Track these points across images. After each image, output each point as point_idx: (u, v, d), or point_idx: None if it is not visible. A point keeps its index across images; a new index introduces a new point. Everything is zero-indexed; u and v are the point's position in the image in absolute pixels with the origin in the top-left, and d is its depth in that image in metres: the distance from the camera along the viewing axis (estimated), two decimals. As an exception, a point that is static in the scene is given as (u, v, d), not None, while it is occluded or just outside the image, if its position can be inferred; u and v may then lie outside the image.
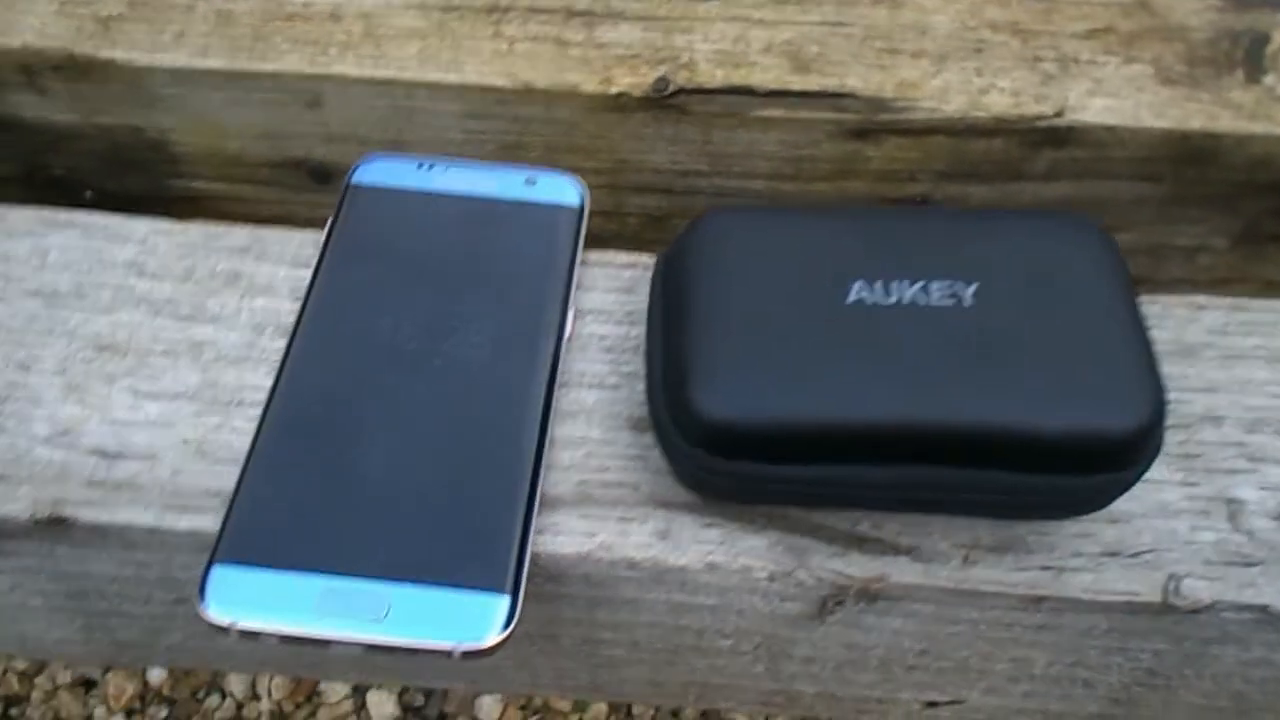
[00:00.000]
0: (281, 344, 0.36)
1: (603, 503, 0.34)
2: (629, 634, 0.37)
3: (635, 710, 1.11)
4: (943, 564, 0.33)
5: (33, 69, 0.46)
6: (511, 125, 0.46)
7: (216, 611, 0.30)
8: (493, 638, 0.30)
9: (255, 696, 1.12)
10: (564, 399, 0.36)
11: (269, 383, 0.35)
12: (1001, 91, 0.45)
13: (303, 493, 0.32)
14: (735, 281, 0.33)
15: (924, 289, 0.32)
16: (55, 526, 0.33)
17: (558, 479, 0.34)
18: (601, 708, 1.11)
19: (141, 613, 0.37)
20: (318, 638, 0.30)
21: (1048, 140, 0.45)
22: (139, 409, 0.35)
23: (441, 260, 0.38)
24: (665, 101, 0.45)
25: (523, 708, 1.11)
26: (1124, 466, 0.30)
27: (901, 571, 0.33)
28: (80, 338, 0.37)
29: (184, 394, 0.35)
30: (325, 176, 0.49)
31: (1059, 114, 0.44)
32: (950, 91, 0.45)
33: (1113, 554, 0.33)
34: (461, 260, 0.38)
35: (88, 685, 1.12)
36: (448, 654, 0.30)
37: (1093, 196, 0.47)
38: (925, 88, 0.45)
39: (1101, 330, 0.31)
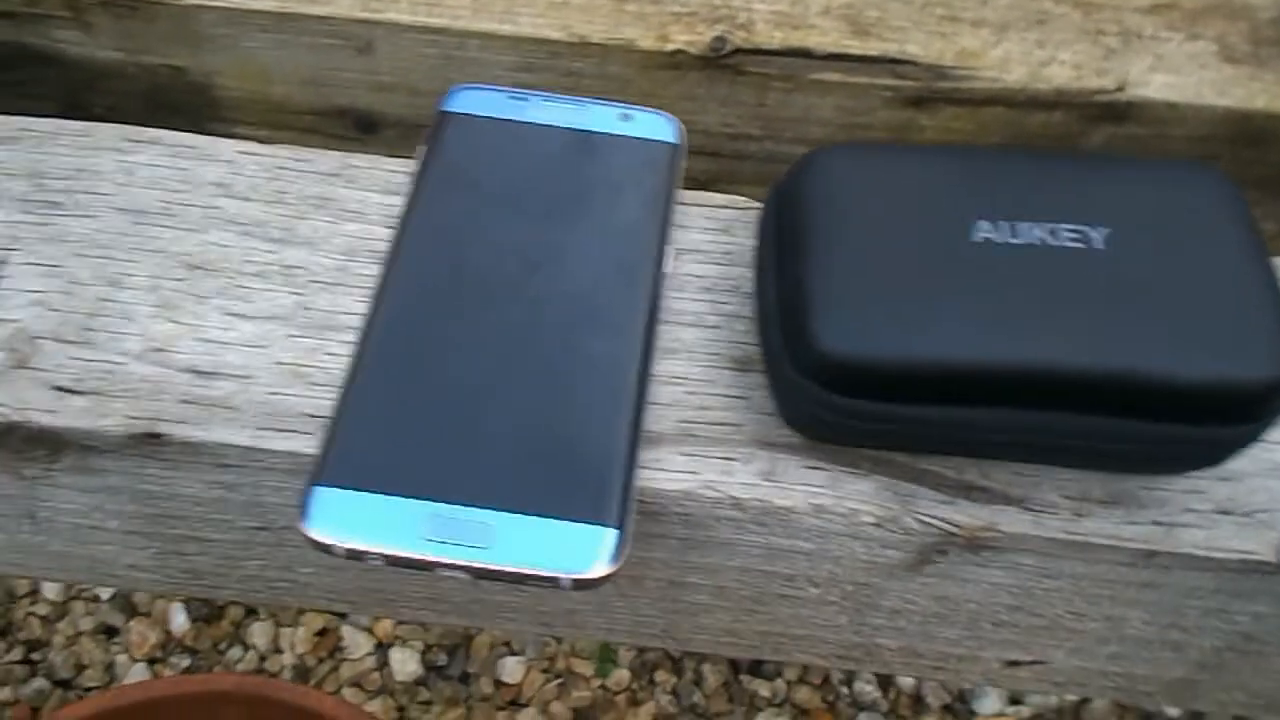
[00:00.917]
0: (374, 270, 0.36)
1: (705, 441, 0.33)
2: (717, 578, 0.36)
3: (658, 678, 1.11)
4: (1053, 515, 0.32)
5: (79, 4, 0.45)
6: (563, 79, 0.45)
7: (320, 531, 0.29)
8: (602, 568, 0.29)
9: (278, 650, 1.12)
10: (663, 337, 0.35)
11: (362, 308, 0.34)
12: (1063, 64, 0.44)
13: (406, 419, 0.31)
14: (856, 216, 0.32)
15: (1052, 231, 0.31)
16: (149, 443, 0.32)
17: (659, 415, 0.34)
18: (624, 673, 1.11)
19: (221, 539, 0.37)
20: (425, 560, 0.29)
21: (1107, 115, 0.44)
22: (232, 329, 0.34)
23: (539, 191, 0.37)
24: (721, 61, 0.44)
25: (545, 670, 1.11)
26: (1256, 419, 0.30)
27: (1011, 521, 0.32)
28: (170, 256, 0.36)
29: (278, 316, 0.35)
30: (371, 126, 0.48)
31: (1120, 88, 0.44)
32: (1011, 62, 0.44)
33: (1225, 512, 0.33)
34: (559, 192, 0.37)
35: (110, 632, 1.12)
36: (556, 582, 0.29)
37: (1148, 174, 0.47)
38: (986, 57, 0.44)
39: (1235, 281, 0.30)
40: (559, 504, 0.30)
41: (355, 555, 0.29)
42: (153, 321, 0.34)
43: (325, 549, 0.29)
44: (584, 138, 0.39)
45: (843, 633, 0.38)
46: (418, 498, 0.30)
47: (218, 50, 0.46)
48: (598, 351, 0.33)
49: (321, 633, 1.12)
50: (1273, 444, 0.34)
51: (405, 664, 1.11)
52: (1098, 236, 0.31)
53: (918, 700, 1.12)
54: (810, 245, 0.31)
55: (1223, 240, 0.31)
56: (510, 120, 0.39)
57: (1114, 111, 0.44)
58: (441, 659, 1.12)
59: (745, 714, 1.11)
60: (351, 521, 0.29)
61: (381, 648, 1.12)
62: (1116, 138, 0.45)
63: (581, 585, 0.29)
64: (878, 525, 0.32)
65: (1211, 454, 0.31)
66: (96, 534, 0.37)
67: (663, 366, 0.35)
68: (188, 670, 1.10)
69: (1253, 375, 0.29)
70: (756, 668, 1.12)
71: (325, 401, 0.33)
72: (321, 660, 1.11)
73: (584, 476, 0.31)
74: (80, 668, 1.10)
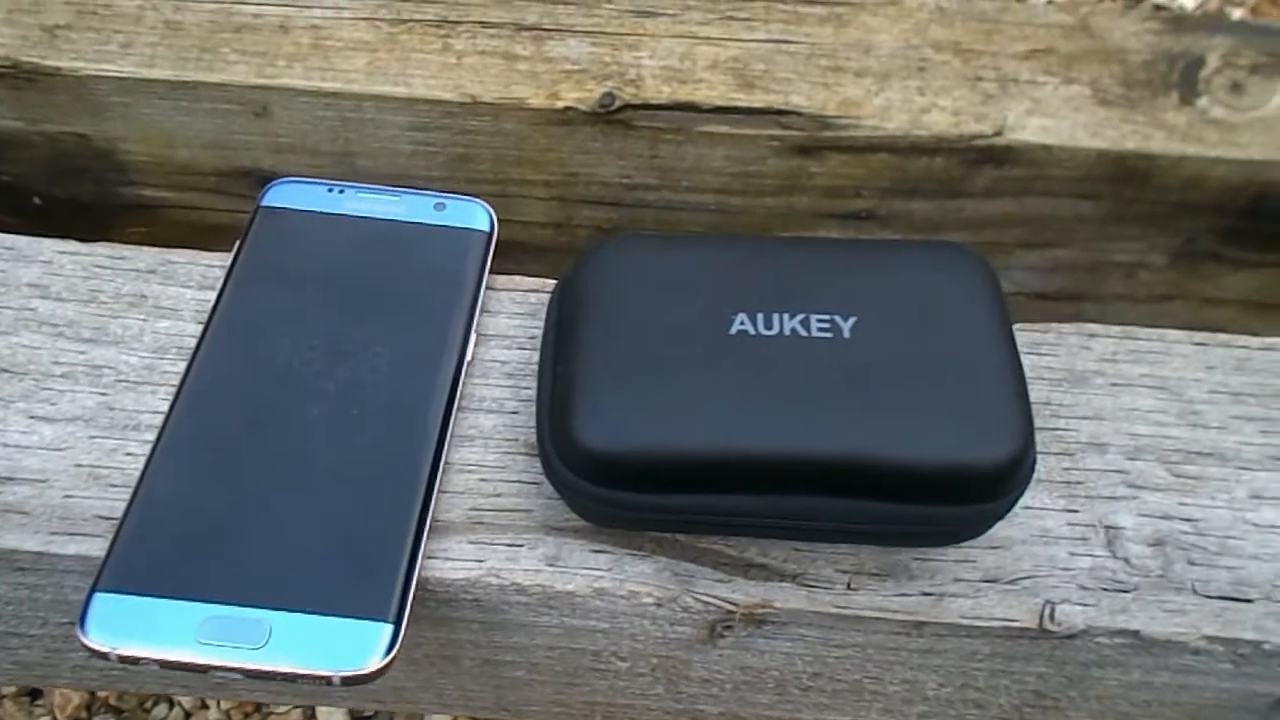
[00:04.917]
0: (182, 367, 0.36)
1: (493, 528, 0.34)
2: (527, 655, 0.37)
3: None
4: (826, 590, 0.34)
5: None
6: (460, 138, 0.46)
7: (96, 638, 0.30)
8: (374, 664, 0.30)
9: (204, 705, 1.11)
10: (462, 424, 0.36)
11: (167, 406, 0.35)
12: (942, 110, 0.46)
13: (190, 520, 0.32)
14: (622, 310, 0.33)
15: (804, 321, 0.32)
16: (-57, 549, 0.33)
17: (451, 504, 0.35)
18: None
19: (40, 634, 0.37)
20: (197, 664, 0.30)
21: (987, 158, 0.46)
22: (33, 432, 0.35)
23: (347, 283, 0.38)
24: (611, 116, 0.46)
25: None
26: (993, 498, 0.31)
27: (786, 597, 0.34)
28: (-22, 360, 0.37)
29: (80, 417, 0.36)
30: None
31: (998, 133, 0.45)
32: (892, 110, 0.45)
33: (991, 580, 0.34)
34: (367, 283, 0.38)
35: (33, 695, 1.12)
36: (328, 680, 0.30)
37: (1033, 213, 0.48)
38: (868, 106, 0.45)
39: (973, 363, 0.32)
40: (333, 600, 0.31)
41: (129, 661, 0.30)
42: (-45, 428, 0.35)
43: (101, 655, 0.30)
44: (395, 229, 0.40)
45: (663, 701, 0.39)
46: (192, 599, 0.31)
47: (118, 117, 0.47)
48: (390, 445, 0.34)
49: (247, 688, 1.12)
50: (1039, 509, 0.35)
51: (331, 716, 1.11)
52: (846, 325, 0.32)
53: None
54: (575, 339, 0.33)
55: (965, 323, 0.32)
56: (326, 213, 0.40)
57: (993, 155, 0.46)
58: (369, 709, 1.12)
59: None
60: (126, 627, 0.30)
61: (308, 701, 1.12)
62: (999, 180, 0.47)
63: (352, 682, 0.30)
64: (659, 605, 0.34)
65: (961, 531, 0.32)
66: (-79, 631, 0.38)
67: (458, 454, 0.36)
68: (112, 731, 1.10)
69: (983, 457, 0.30)
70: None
71: (120, 503, 0.33)
72: (248, 715, 1.11)
73: (360, 572, 0.32)
74: (4, 732, 1.09)
